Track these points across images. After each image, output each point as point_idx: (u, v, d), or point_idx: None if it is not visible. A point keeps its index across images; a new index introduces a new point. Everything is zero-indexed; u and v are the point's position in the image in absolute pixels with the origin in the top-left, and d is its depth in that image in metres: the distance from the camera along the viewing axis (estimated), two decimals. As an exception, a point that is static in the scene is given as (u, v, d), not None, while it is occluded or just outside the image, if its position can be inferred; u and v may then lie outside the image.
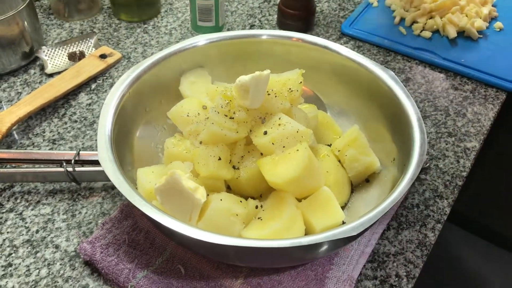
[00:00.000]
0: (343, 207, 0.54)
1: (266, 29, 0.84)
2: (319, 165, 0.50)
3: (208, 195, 0.48)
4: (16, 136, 0.65)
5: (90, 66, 0.73)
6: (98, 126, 0.50)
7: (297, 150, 0.48)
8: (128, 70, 0.56)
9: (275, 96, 0.53)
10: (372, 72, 0.57)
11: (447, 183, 0.60)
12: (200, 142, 0.52)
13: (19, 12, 0.70)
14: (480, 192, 1.22)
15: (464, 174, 0.61)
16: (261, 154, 0.51)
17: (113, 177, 0.45)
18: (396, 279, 0.50)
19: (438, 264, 1.34)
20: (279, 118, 0.51)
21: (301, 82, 0.54)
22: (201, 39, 0.61)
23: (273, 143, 0.49)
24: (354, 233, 0.40)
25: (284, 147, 0.49)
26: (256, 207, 0.49)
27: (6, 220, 0.55)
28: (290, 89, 0.54)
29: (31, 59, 0.75)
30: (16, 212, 0.56)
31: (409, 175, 0.45)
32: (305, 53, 0.62)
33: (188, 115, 0.54)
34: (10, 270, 0.51)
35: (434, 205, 0.57)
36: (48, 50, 0.75)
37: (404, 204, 0.58)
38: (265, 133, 0.50)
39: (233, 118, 0.51)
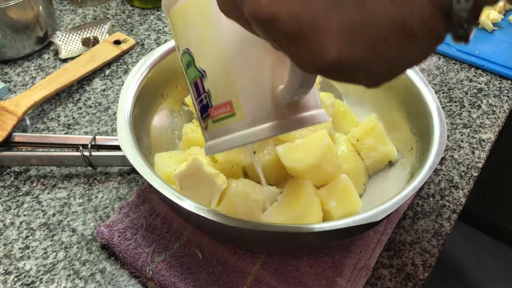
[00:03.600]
0: (359, 196, 0.54)
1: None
2: (337, 153, 0.50)
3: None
4: (31, 120, 0.65)
5: (104, 52, 0.72)
6: (117, 110, 0.50)
7: (316, 137, 0.48)
8: (144, 56, 0.56)
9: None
10: (390, 61, 0.57)
11: (463, 173, 0.60)
12: (218, 128, 0.52)
13: (34, -4, 0.70)
14: (486, 187, 1.22)
15: (479, 165, 0.61)
16: (279, 140, 0.51)
17: (133, 160, 0.45)
18: (413, 267, 0.51)
19: (443, 259, 1.35)
20: (298, 105, 0.51)
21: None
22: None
23: (292, 130, 0.49)
24: (377, 219, 0.40)
25: (303, 134, 0.49)
26: (275, 194, 0.49)
27: (22, 203, 0.55)
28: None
29: (45, 44, 0.75)
30: (32, 195, 0.56)
31: (429, 163, 0.45)
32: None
33: (206, 101, 0.54)
34: (28, 253, 0.51)
35: (449, 195, 0.57)
36: (62, 35, 0.75)
37: (419, 194, 0.58)
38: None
39: (252, 104, 0.50)
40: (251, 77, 0.34)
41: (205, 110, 0.36)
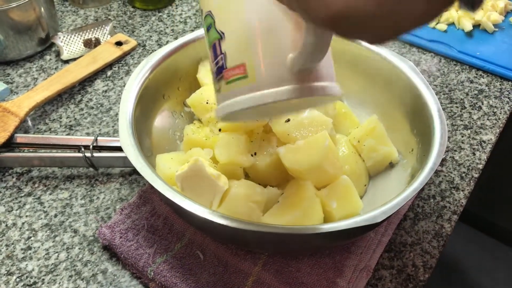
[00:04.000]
0: (359, 198, 0.54)
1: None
2: (338, 154, 0.50)
3: (227, 182, 0.48)
4: (33, 121, 0.65)
5: (106, 53, 0.73)
6: (119, 111, 0.50)
7: (317, 138, 0.48)
8: (146, 57, 0.57)
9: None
10: (390, 62, 0.57)
11: (463, 175, 0.60)
12: (220, 129, 0.52)
13: (36, -2, 0.70)
14: (487, 188, 1.21)
15: (480, 166, 0.61)
16: (280, 142, 0.51)
17: (135, 161, 0.45)
18: (413, 269, 0.51)
19: (444, 260, 1.35)
20: (299, 107, 0.51)
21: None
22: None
23: (293, 131, 0.50)
24: (378, 220, 0.40)
25: (304, 135, 0.50)
26: (276, 195, 0.50)
27: (24, 204, 0.55)
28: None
29: (47, 45, 0.76)
30: (34, 196, 0.56)
31: (430, 164, 0.45)
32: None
33: (207, 103, 0.54)
34: (30, 253, 0.51)
35: (450, 197, 0.58)
36: (63, 37, 0.75)
37: (420, 195, 0.58)
38: (287, 121, 0.50)
39: (253, 105, 0.51)
40: (266, 41, 0.35)
41: (220, 71, 0.37)
